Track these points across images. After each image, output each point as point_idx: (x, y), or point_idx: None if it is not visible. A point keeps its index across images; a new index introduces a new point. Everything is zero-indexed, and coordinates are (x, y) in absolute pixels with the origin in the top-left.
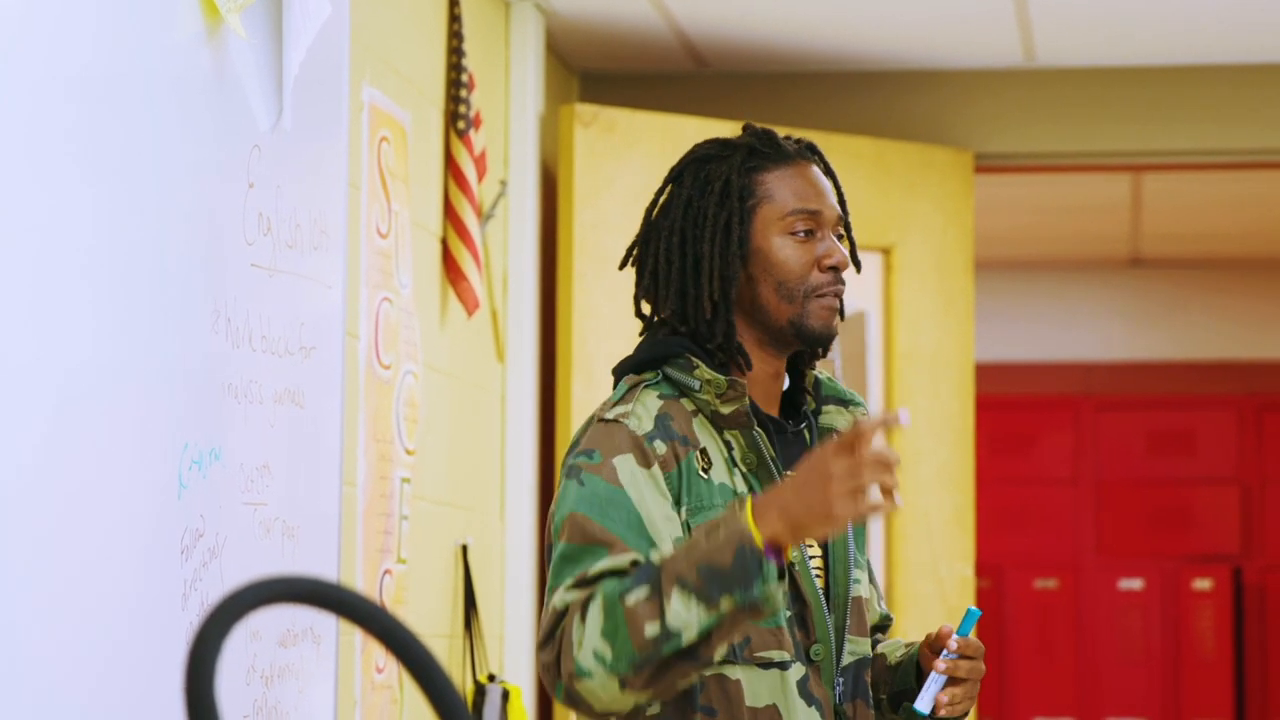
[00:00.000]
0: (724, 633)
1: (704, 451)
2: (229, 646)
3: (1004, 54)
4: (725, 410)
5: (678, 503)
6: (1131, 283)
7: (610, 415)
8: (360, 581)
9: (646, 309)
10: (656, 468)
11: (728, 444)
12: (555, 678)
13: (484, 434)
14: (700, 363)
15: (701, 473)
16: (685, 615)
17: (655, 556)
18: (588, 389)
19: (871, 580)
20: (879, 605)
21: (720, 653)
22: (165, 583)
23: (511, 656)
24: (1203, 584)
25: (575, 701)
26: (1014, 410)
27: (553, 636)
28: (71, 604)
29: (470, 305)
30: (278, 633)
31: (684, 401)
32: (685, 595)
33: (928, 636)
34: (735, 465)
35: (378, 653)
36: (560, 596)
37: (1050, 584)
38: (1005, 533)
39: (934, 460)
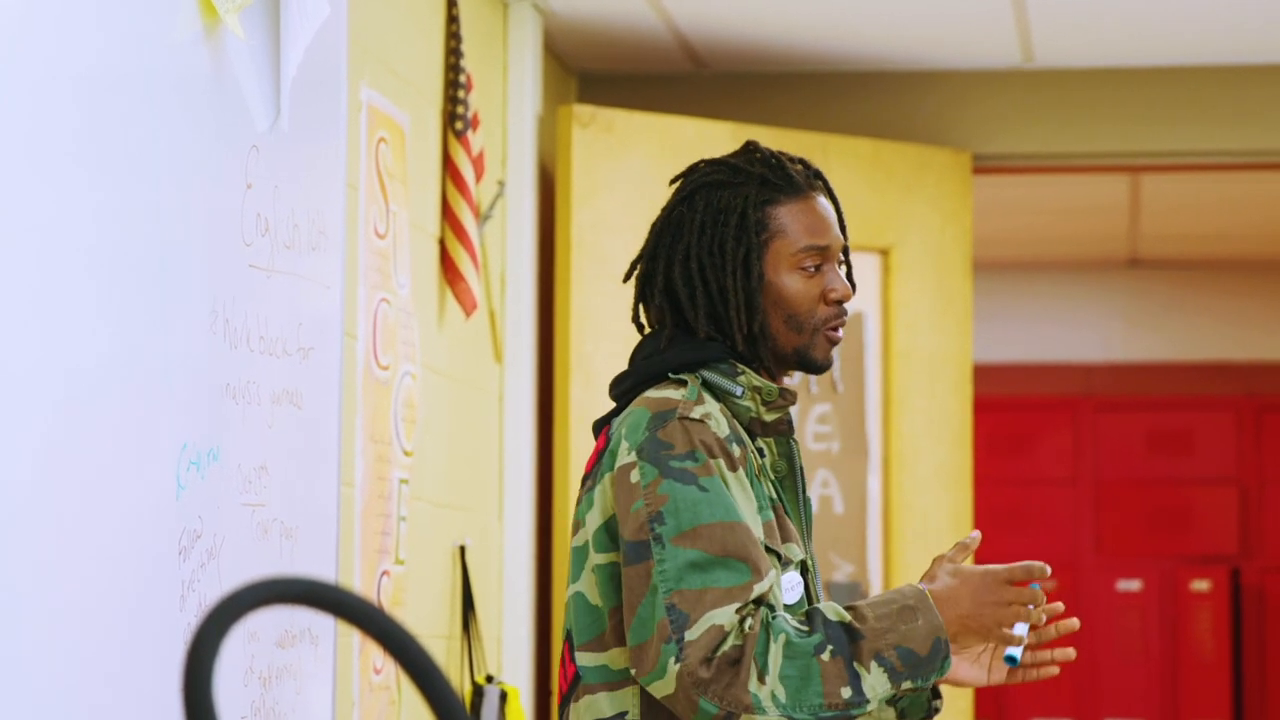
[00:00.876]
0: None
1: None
2: (227, 647)
3: (1002, 55)
4: (769, 417)
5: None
6: (1130, 284)
7: (695, 415)
8: (358, 582)
9: (644, 321)
10: (741, 470)
11: (760, 450)
12: (701, 693)
13: (482, 435)
14: (746, 369)
15: (758, 475)
16: (877, 688)
17: (829, 612)
18: (586, 390)
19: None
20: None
21: None
22: (163, 583)
23: (509, 657)
24: (1201, 585)
25: None
26: (1013, 411)
27: (714, 657)
28: (69, 605)
29: (468, 306)
30: (276, 634)
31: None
32: (881, 670)
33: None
34: (765, 471)
35: (375, 654)
36: (723, 615)
37: (1048, 585)
38: (1004, 533)
39: (932, 461)
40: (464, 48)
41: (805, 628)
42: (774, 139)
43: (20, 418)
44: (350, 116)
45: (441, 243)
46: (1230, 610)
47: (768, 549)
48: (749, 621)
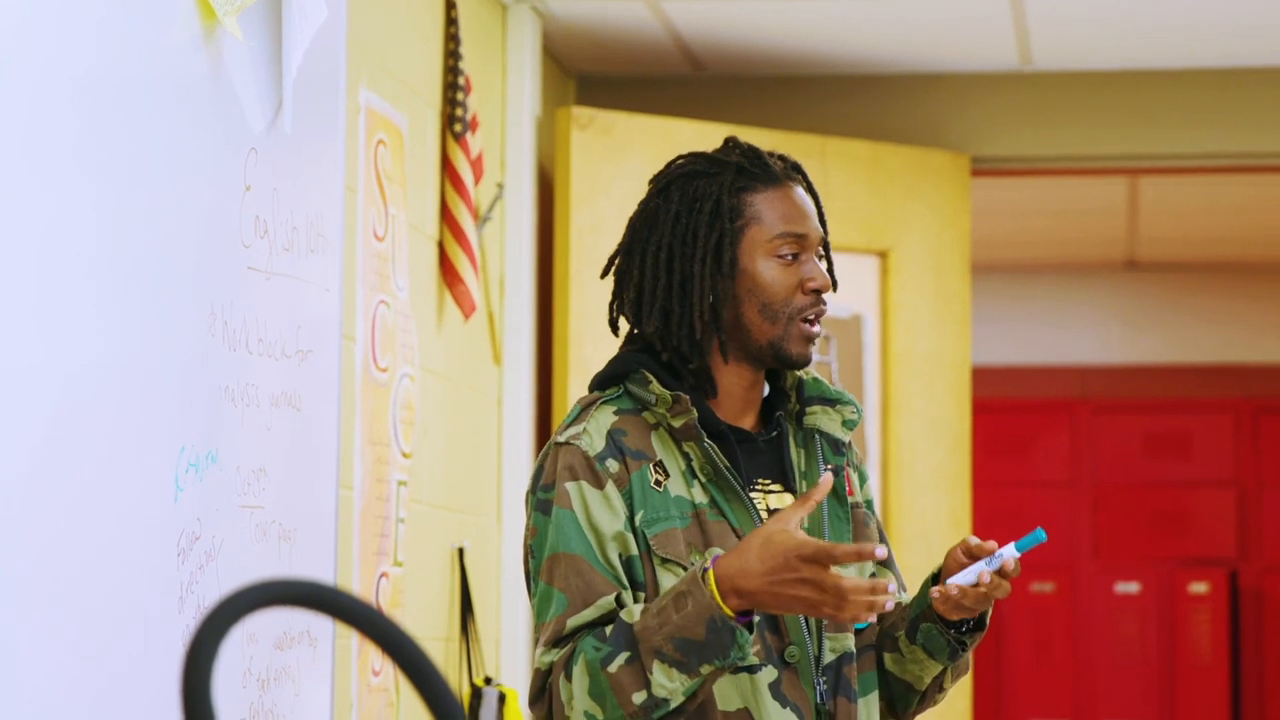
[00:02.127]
0: (708, 686)
1: (660, 464)
2: (225, 649)
3: (1001, 58)
4: (676, 424)
5: (632, 517)
6: (1128, 286)
7: (563, 438)
8: (357, 584)
9: (623, 323)
10: (610, 486)
11: (686, 455)
12: None
13: (481, 437)
14: (652, 378)
15: (655, 486)
16: (669, 684)
17: (627, 616)
18: (584, 392)
19: (890, 565)
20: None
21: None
22: (161, 586)
23: (508, 659)
24: (1199, 587)
25: None
26: (1011, 413)
27: (542, 695)
28: (68, 607)
29: (467, 308)
30: (274, 636)
31: (645, 415)
32: (665, 666)
33: (963, 542)
34: (695, 476)
35: (374, 656)
36: (541, 657)
37: (1047, 587)
38: (1001, 536)
39: (930, 462)
40: (463, 50)
41: (603, 641)
42: (772, 141)
43: (18, 419)
44: (349, 119)
45: (440, 245)
46: (1228, 613)
47: (665, 560)
48: (561, 653)
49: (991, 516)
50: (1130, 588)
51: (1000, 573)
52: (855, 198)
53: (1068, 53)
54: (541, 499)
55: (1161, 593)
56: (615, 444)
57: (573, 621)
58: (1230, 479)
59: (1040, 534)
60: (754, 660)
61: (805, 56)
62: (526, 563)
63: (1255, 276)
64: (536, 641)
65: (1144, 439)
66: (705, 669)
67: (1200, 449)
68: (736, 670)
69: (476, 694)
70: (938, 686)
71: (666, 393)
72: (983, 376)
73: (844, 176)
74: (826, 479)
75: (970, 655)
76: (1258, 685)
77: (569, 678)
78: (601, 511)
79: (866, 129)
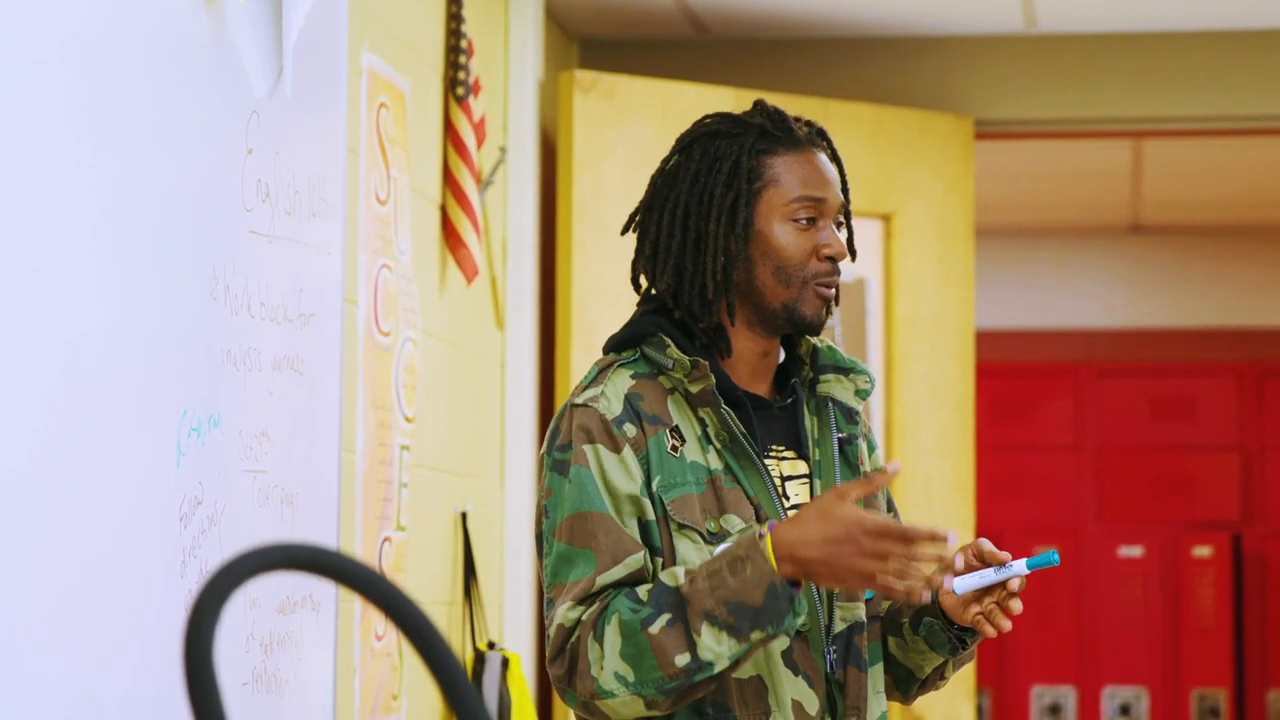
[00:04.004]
0: (753, 653)
1: (676, 429)
2: (228, 614)
3: (1005, 20)
4: (694, 389)
5: (649, 482)
6: (1132, 250)
7: (580, 400)
8: (360, 549)
9: (643, 280)
10: (627, 450)
11: (702, 421)
12: (567, 688)
13: (484, 401)
14: (670, 342)
15: (671, 451)
16: (717, 648)
17: (669, 579)
18: (587, 356)
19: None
20: None
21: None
22: (164, 550)
23: (511, 624)
24: (1203, 551)
25: (593, 713)
26: (1015, 377)
27: (563, 652)
28: (71, 571)
29: (469, 272)
30: (277, 600)
31: (661, 379)
32: (716, 630)
33: (975, 544)
34: (710, 442)
35: (377, 620)
36: (565, 613)
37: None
38: (1005, 499)
39: (934, 427)
40: (465, 13)
41: (640, 602)
42: (776, 104)
43: (21, 385)
44: (351, 82)
45: (443, 209)
46: (1232, 577)
47: (681, 525)
48: (590, 611)
49: (995, 480)
50: (1134, 551)
51: (1006, 588)
52: (859, 161)
53: (1072, 15)
54: (558, 459)
55: (1165, 557)
56: (632, 408)
57: (602, 579)
58: (1234, 443)
59: (1054, 556)
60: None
61: (808, 19)
62: (539, 524)
63: (1260, 240)
64: (551, 602)
65: (1148, 403)
66: (756, 635)
67: (1205, 413)
68: None
69: (480, 659)
70: (939, 675)
71: (685, 358)
72: (987, 340)
73: (847, 140)
74: (895, 467)
75: (975, 648)
76: (1261, 649)
77: (598, 638)
78: (618, 475)
79: (870, 92)
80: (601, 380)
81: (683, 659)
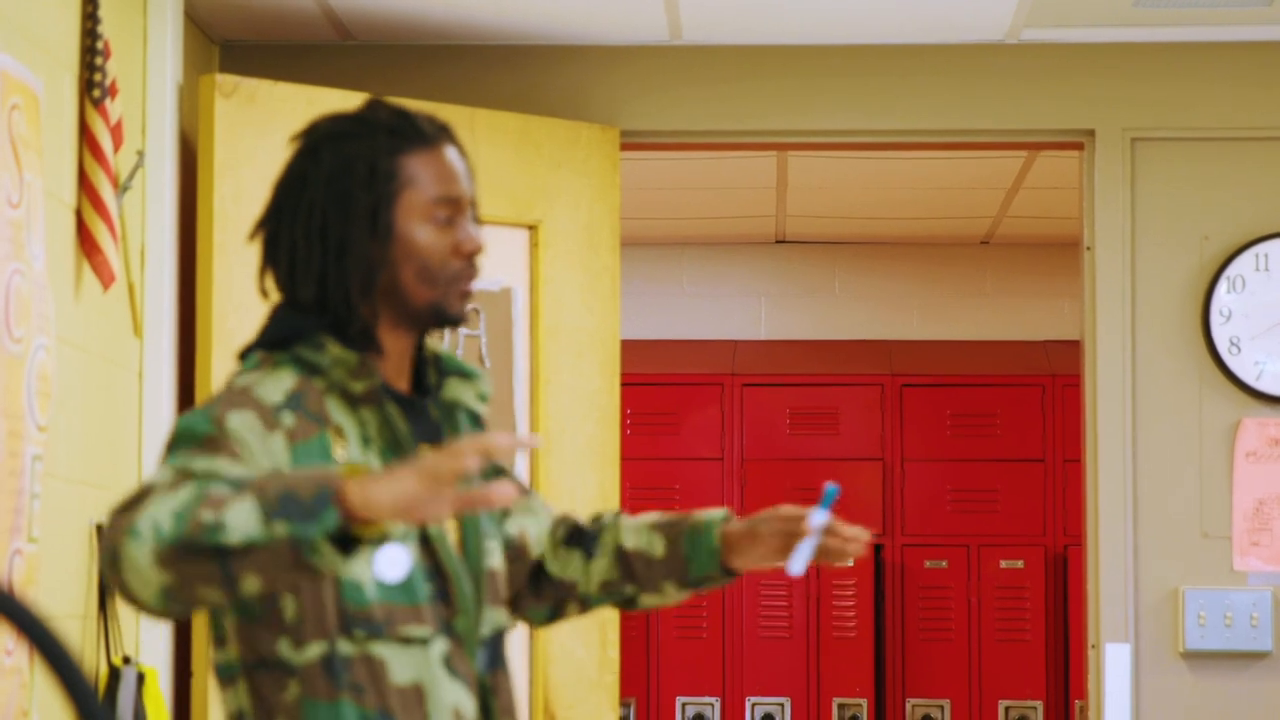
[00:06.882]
0: (261, 562)
1: (339, 429)
2: None
3: (651, 31)
4: (357, 388)
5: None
6: (777, 262)
7: (239, 384)
8: None
9: (270, 286)
10: (279, 435)
11: (362, 421)
12: (111, 535)
13: (120, 411)
14: (328, 342)
15: (334, 453)
16: (241, 518)
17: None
18: (227, 365)
19: (533, 511)
20: (546, 512)
21: (250, 587)
22: None
23: (148, 638)
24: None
25: (113, 560)
26: (661, 388)
27: (130, 505)
28: None
29: (106, 278)
30: None
31: (315, 381)
32: (254, 505)
33: (774, 511)
34: (370, 443)
35: (6, 635)
36: (158, 473)
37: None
38: (648, 509)
39: (579, 437)
40: (101, 13)
41: (220, 480)
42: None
43: None
44: None
45: (78, 213)
46: (873, 587)
47: None
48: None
49: (642, 491)
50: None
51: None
52: (504, 170)
53: (717, 27)
54: (196, 433)
55: (812, 568)
56: (297, 402)
57: (204, 465)
58: (875, 454)
59: (831, 489)
60: (327, 574)
61: (453, 26)
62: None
63: (901, 253)
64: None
65: (791, 414)
66: (279, 527)
67: (847, 424)
68: (409, 641)
69: (114, 673)
70: (618, 596)
71: (351, 356)
72: (633, 351)
73: (493, 149)
74: (507, 489)
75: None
76: (900, 658)
77: (165, 496)
78: (258, 446)
79: (517, 101)
80: (260, 373)
81: (208, 515)
